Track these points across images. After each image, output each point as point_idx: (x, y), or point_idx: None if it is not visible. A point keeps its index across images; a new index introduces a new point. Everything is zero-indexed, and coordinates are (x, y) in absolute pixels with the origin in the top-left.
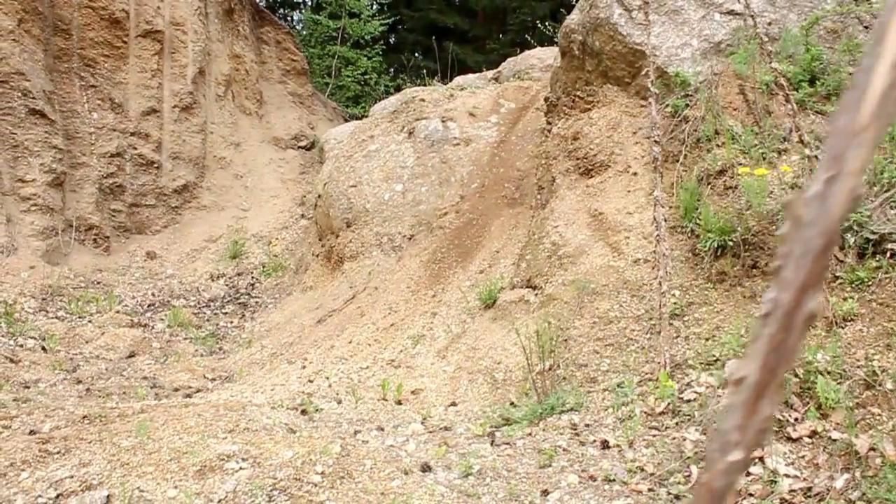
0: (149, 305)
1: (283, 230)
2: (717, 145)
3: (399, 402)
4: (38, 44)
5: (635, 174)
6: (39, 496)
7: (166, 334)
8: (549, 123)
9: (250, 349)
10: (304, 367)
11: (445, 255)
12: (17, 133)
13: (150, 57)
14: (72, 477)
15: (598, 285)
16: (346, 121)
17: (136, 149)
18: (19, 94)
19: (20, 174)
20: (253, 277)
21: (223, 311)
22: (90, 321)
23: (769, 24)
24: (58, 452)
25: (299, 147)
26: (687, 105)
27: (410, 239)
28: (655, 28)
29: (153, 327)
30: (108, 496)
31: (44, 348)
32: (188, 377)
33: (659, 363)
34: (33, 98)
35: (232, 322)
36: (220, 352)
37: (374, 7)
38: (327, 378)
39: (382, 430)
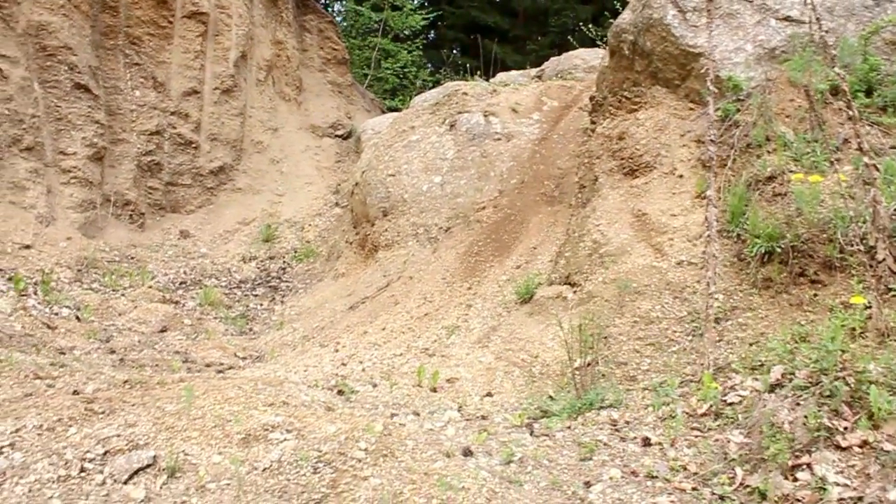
0: (180, 283)
1: (317, 217)
2: (768, 151)
3: (434, 390)
4: (86, 19)
5: (681, 177)
6: (88, 452)
7: (197, 312)
8: (593, 123)
9: (281, 331)
10: (336, 351)
11: (482, 248)
12: (61, 106)
13: (194, 38)
14: (118, 436)
15: (640, 285)
16: (383, 112)
17: (175, 128)
18: (66, 68)
19: (62, 147)
20: (284, 262)
21: (254, 293)
22: (123, 294)
23: (826, 32)
24: (103, 412)
25: (336, 136)
26: (738, 110)
27: (447, 231)
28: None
29: (184, 305)
30: (154, 457)
31: (78, 318)
32: (219, 354)
33: (701, 365)
34: (79, 73)
35: (262, 304)
36: (250, 332)
37: (417, 1)
38: (361, 362)
39: (418, 415)
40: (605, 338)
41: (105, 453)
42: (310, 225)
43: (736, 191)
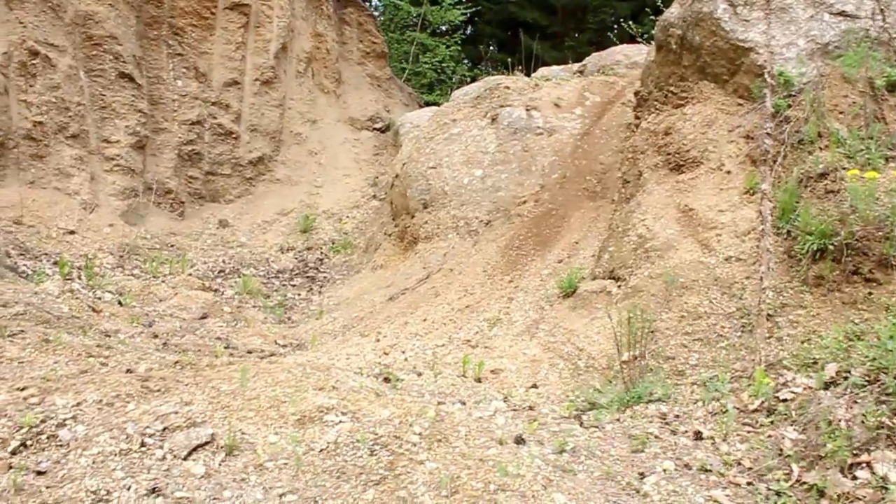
0: (219, 272)
1: (354, 209)
2: (820, 148)
3: (478, 380)
4: (131, 10)
5: (729, 172)
6: (147, 427)
7: (236, 300)
8: (637, 118)
9: (321, 320)
10: (377, 341)
11: (523, 242)
12: (105, 95)
13: (236, 29)
14: (176, 413)
15: (688, 280)
16: (421, 107)
17: (215, 118)
18: (111, 58)
19: (106, 135)
20: (322, 253)
21: (291, 283)
22: (163, 281)
23: (882, 28)
24: (158, 390)
25: (374, 129)
26: (789, 105)
27: (487, 224)
28: (760, 25)
29: (223, 293)
30: (212, 434)
31: (120, 303)
32: (260, 342)
33: (752, 361)
34: (123, 62)
35: (300, 294)
36: (288, 321)
37: None
38: (403, 352)
39: (464, 404)
40: (652, 332)
41: (164, 429)
42: (347, 217)
43: (787, 187)
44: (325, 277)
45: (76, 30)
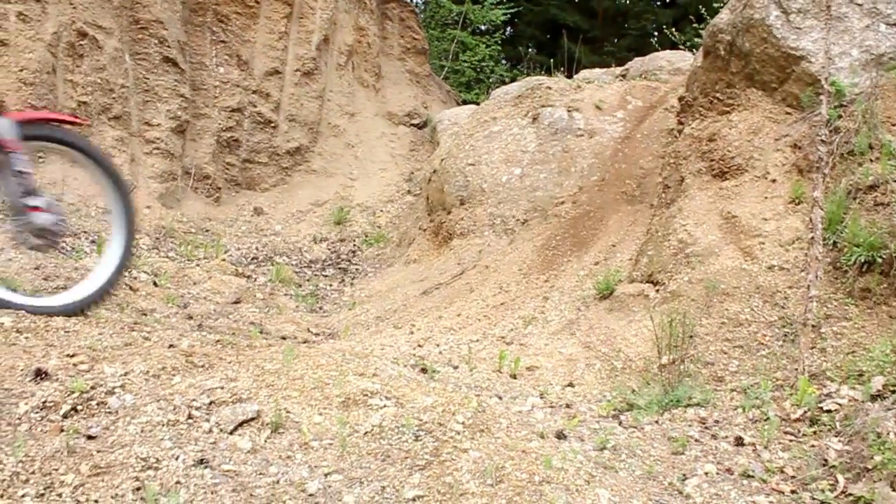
0: (252, 258)
1: (389, 203)
2: (871, 159)
3: (514, 376)
4: None
5: (774, 181)
6: (194, 400)
7: (268, 287)
8: (681, 123)
9: (354, 310)
10: (411, 333)
11: (560, 242)
12: (149, 78)
13: (279, 19)
14: (222, 388)
15: (729, 287)
16: (458, 104)
17: (255, 107)
18: (156, 42)
19: (147, 118)
20: (355, 245)
21: (324, 273)
22: (198, 265)
23: None
24: (202, 366)
25: (411, 124)
26: (839, 116)
27: (524, 223)
28: (813, 34)
29: (256, 279)
30: (258, 411)
31: (155, 283)
32: (293, 328)
33: (794, 370)
34: (168, 46)
35: (331, 285)
36: (320, 311)
37: None
38: (437, 345)
39: (501, 398)
40: (692, 337)
41: (210, 403)
42: (382, 210)
43: (834, 198)
44: (356, 269)
45: (124, 13)
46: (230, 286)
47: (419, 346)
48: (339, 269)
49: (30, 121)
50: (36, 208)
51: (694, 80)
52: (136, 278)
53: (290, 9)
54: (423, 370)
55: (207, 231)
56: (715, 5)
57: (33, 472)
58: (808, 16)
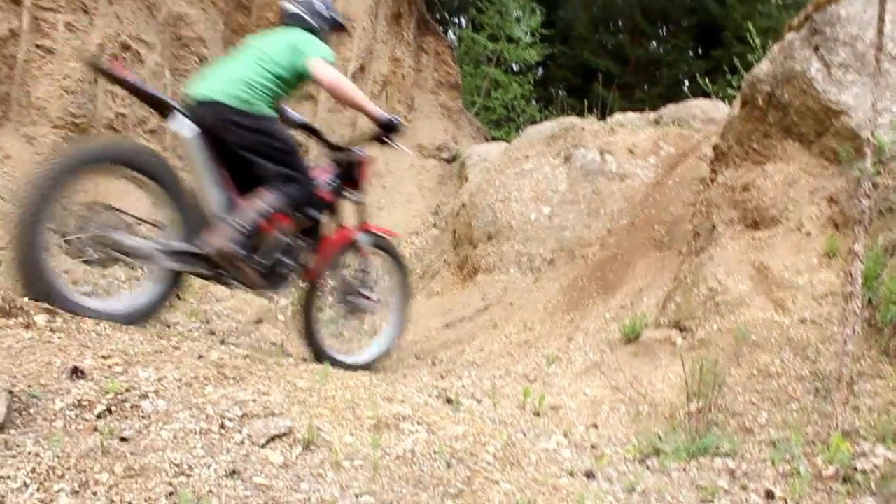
0: None
1: (414, 235)
2: None
3: (537, 414)
4: (220, 16)
5: (808, 234)
6: (227, 411)
7: (289, 311)
8: (713, 172)
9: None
10: (433, 364)
11: (586, 284)
12: None
13: None
14: (254, 401)
15: (759, 338)
16: (488, 140)
17: None
18: (196, 59)
19: None
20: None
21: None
22: None
23: None
24: (234, 378)
25: (441, 158)
26: (878, 172)
27: (550, 262)
28: (854, 88)
29: (277, 301)
30: (290, 427)
31: (178, 296)
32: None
33: (826, 426)
34: (208, 65)
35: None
36: (340, 336)
37: (533, 37)
38: (459, 378)
39: (525, 434)
40: (719, 386)
41: (243, 415)
42: (406, 242)
43: (871, 254)
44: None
45: (167, 29)
46: (252, 306)
47: (441, 377)
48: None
49: (373, 233)
50: (365, 296)
51: (730, 129)
52: None
53: None
54: (448, 401)
55: None
56: (749, 57)
57: (68, 469)
58: (850, 70)
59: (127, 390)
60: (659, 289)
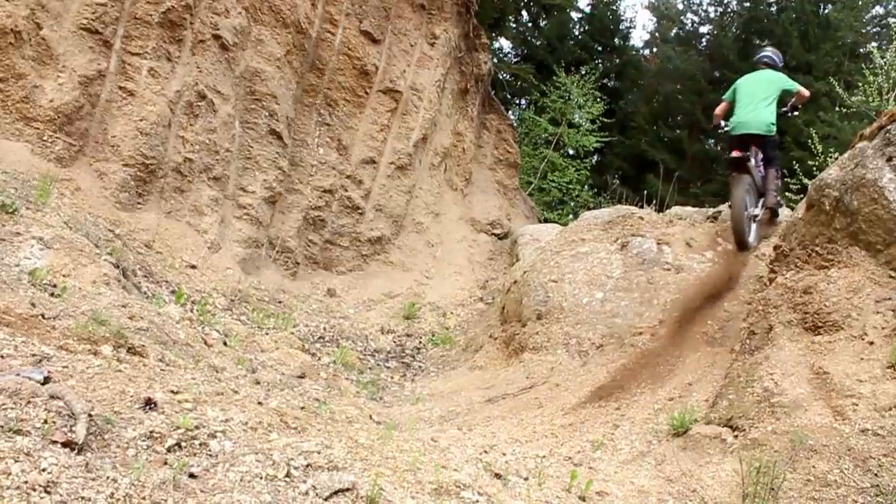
0: (319, 337)
1: (460, 307)
2: None
3: (583, 498)
4: (294, 75)
5: (871, 343)
6: (292, 460)
7: (331, 368)
8: (773, 272)
9: (417, 406)
10: (477, 438)
11: (634, 372)
12: (253, 147)
13: (384, 112)
14: (318, 452)
15: (817, 444)
16: (540, 221)
17: (346, 191)
18: (266, 114)
19: (244, 184)
20: (420, 342)
21: (386, 364)
22: (267, 333)
23: None
24: (296, 428)
25: (493, 234)
26: None
27: (599, 347)
28: None
29: (320, 358)
30: (353, 483)
31: (225, 343)
32: (356, 412)
33: None
34: (276, 120)
35: (393, 378)
36: (381, 401)
37: (594, 124)
38: (503, 454)
39: None
40: (773, 489)
41: (308, 466)
42: (452, 313)
43: None
44: (419, 366)
45: (242, 83)
46: (296, 360)
47: (485, 451)
48: (403, 363)
49: None
50: None
51: (793, 231)
52: (208, 334)
53: (395, 104)
54: (497, 476)
55: (280, 302)
56: (809, 163)
57: (143, 498)
58: None
59: (196, 427)
60: (709, 384)
